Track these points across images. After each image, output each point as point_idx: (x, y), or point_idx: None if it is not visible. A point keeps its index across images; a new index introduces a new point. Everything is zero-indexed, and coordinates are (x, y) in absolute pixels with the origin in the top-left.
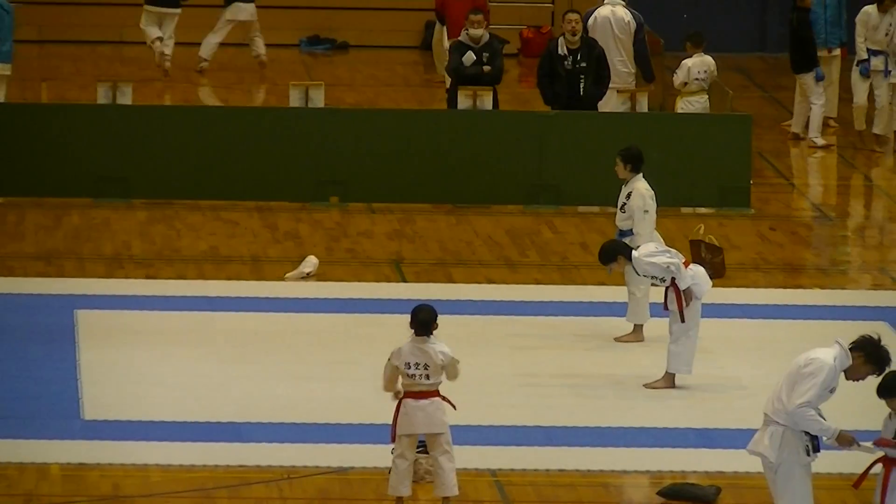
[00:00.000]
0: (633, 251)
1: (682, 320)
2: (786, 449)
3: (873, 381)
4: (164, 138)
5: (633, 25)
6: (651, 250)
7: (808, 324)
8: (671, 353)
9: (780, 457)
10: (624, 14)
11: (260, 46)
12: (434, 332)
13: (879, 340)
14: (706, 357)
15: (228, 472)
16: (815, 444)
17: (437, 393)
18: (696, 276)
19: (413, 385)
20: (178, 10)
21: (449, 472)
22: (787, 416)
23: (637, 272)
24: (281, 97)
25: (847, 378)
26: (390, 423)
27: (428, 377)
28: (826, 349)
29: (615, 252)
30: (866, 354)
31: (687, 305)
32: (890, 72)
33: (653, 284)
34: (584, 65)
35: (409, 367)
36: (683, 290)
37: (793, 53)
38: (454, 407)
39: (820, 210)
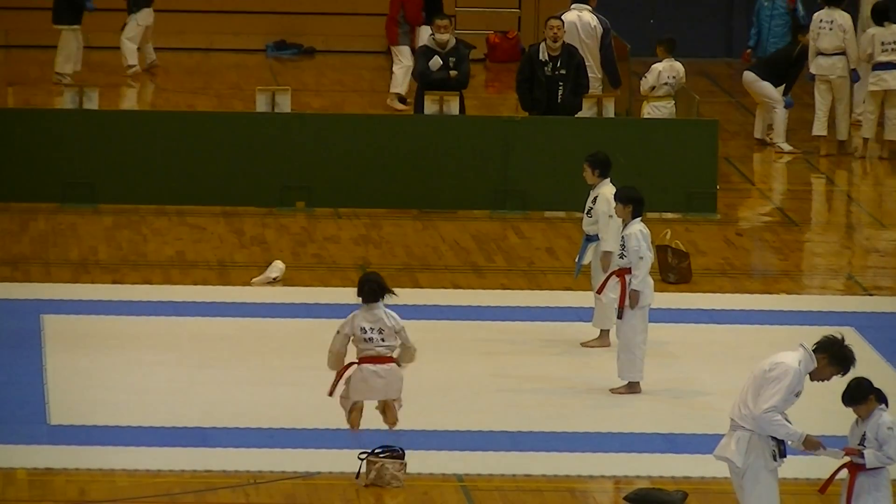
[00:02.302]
0: (636, 222)
1: (620, 316)
2: (752, 454)
3: (839, 386)
4: (131, 143)
5: (600, 30)
6: (646, 234)
7: (774, 329)
8: (621, 362)
9: (747, 462)
10: (591, 19)
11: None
12: (382, 299)
13: (843, 340)
14: (673, 362)
15: (194, 477)
16: (781, 449)
17: (392, 359)
18: (648, 285)
19: (369, 349)
20: (78, 25)
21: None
22: (753, 421)
23: (624, 242)
24: (247, 102)
25: (812, 380)
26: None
27: (384, 339)
28: (791, 353)
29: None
30: (830, 356)
31: (631, 308)
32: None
33: (620, 255)
34: (563, 72)
35: (365, 332)
36: (631, 290)
37: (771, 68)
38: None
39: (786, 215)
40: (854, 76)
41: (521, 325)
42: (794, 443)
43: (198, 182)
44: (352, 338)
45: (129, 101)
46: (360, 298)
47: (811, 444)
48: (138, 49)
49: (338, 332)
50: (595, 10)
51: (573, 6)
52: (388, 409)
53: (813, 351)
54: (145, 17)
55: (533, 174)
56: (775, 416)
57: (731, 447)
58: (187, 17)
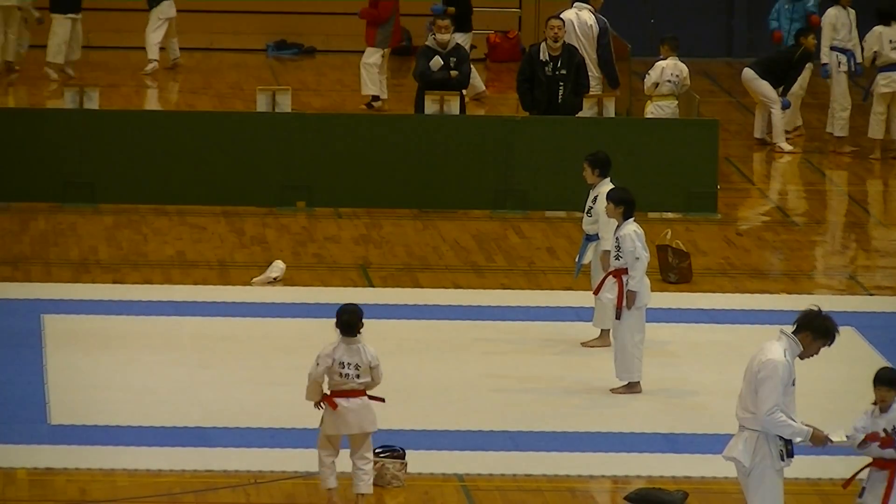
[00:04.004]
0: (629, 223)
1: (618, 317)
2: (759, 453)
3: (839, 385)
4: (131, 143)
5: (596, 30)
6: (640, 234)
7: (774, 329)
8: (618, 363)
9: (754, 461)
10: (588, 18)
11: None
12: (360, 332)
13: (820, 312)
14: (673, 362)
15: (195, 477)
16: (789, 449)
17: (364, 392)
18: (645, 285)
19: (343, 384)
20: (69, 15)
21: (368, 474)
22: (758, 422)
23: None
24: (248, 102)
25: (803, 358)
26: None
27: (359, 377)
28: (774, 344)
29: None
30: (813, 332)
31: (628, 308)
32: (853, 70)
33: (615, 257)
34: (563, 72)
35: (344, 367)
36: (627, 290)
37: (770, 69)
38: (383, 400)
39: (786, 215)
40: (822, 71)
41: (521, 324)
42: (801, 440)
43: (198, 181)
44: (327, 369)
45: (130, 100)
46: (338, 330)
47: (818, 440)
48: (161, 48)
49: (317, 363)
50: (596, 11)
51: (574, 5)
52: (359, 443)
53: (795, 333)
54: (165, 10)
55: (533, 174)
56: (779, 417)
57: (738, 447)
58: (187, 17)
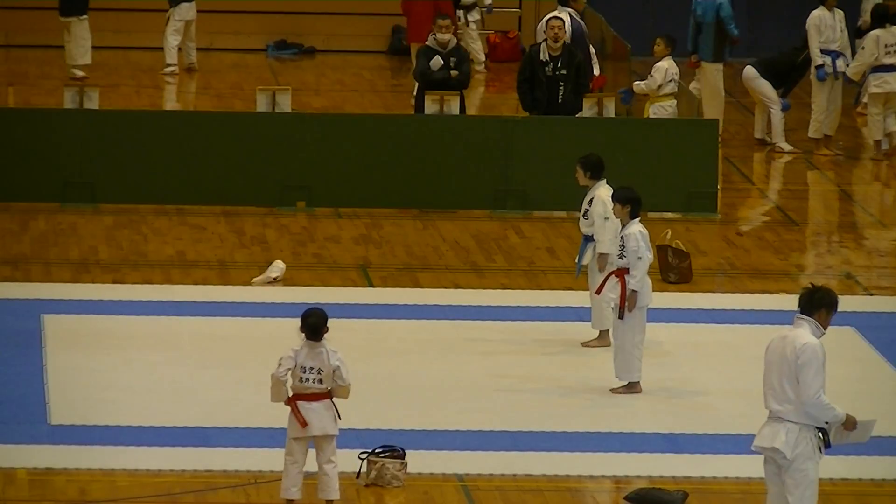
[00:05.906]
0: (635, 222)
1: (621, 317)
2: (800, 446)
3: (839, 385)
4: (131, 143)
5: (569, 30)
6: (645, 234)
7: (774, 329)
8: (618, 363)
9: (795, 453)
10: (565, 19)
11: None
12: (325, 335)
13: (816, 287)
14: (672, 362)
15: (195, 477)
16: (826, 440)
17: (327, 395)
18: (646, 285)
19: (304, 388)
20: (85, 16)
21: (333, 478)
22: (799, 409)
23: (622, 245)
24: (248, 102)
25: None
26: (352, 428)
27: (321, 381)
28: (801, 331)
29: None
30: (826, 307)
31: (629, 309)
32: (841, 73)
33: (619, 256)
34: (563, 72)
35: (304, 371)
36: (629, 290)
37: (772, 70)
38: (339, 417)
39: (786, 215)
40: (819, 73)
41: (520, 324)
42: (835, 424)
43: (198, 182)
44: (290, 371)
45: (130, 100)
46: (303, 334)
47: (851, 423)
48: (179, 49)
49: (279, 363)
50: (579, 13)
51: (558, 7)
52: (324, 446)
53: (810, 315)
54: (183, 11)
55: (533, 174)
56: (825, 400)
57: (780, 438)
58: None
